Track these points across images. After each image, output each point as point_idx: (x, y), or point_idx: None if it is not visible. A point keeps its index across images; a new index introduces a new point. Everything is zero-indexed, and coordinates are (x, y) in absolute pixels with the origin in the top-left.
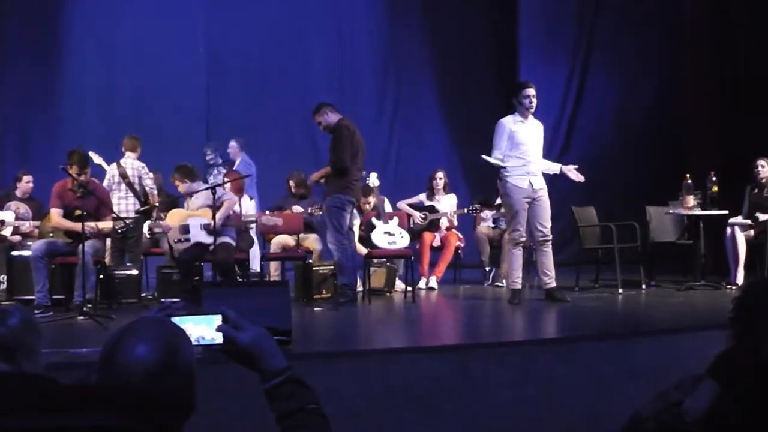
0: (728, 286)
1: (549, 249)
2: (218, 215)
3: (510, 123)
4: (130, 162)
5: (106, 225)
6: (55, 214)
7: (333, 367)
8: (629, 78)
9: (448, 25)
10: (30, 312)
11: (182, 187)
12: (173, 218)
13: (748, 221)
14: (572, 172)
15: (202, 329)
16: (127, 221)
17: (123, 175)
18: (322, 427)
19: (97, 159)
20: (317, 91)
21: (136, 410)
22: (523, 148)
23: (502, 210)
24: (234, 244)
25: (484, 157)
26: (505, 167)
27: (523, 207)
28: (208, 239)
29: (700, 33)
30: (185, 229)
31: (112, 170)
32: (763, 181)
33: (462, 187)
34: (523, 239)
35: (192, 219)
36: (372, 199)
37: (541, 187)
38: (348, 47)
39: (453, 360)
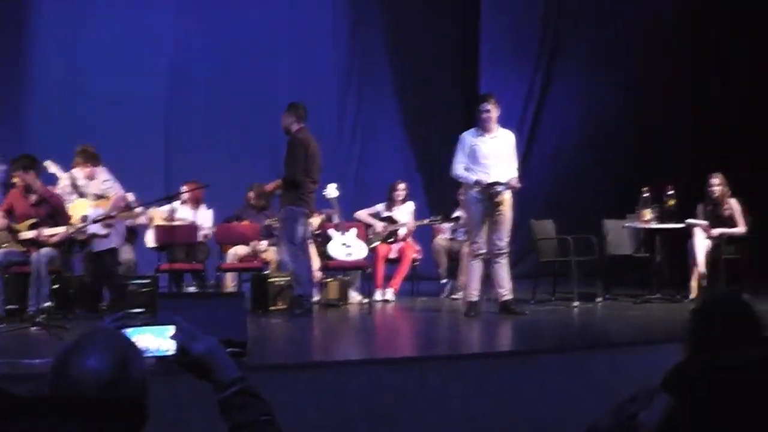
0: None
1: (505, 261)
2: (103, 210)
3: (470, 137)
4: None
5: (57, 231)
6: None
7: (289, 379)
8: (588, 94)
9: (410, 36)
10: None
11: (85, 171)
12: (77, 209)
13: (705, 222)
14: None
15: (156, 340)
16: (81, 228)
17: (74, 185)
18: None
19: (52, 168)
20: (278, 101)
21: (88, 421)
22: (484, 161)
23: (461, 222)
24: (116, 244)
25: (456, 174)
26: (474, 183)
27: (483, 219)
28: (102, 231)
29: (659, 52)
30: (85, 219)
31: (63, 180)
32: (716, 197)
33: (421, 199)
34: (483, 251)
35: (93, 210)
36: (313, 221)
37: (503, 200)
38: (311, 58)
39: (410, 372)
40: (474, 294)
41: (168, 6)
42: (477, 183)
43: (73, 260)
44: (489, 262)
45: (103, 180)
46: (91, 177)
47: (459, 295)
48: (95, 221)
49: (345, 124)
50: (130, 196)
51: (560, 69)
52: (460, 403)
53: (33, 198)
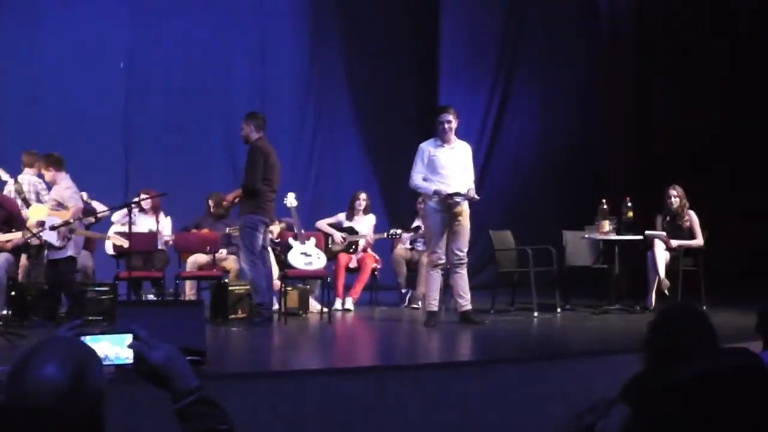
0: (646, 308)
1: (464, 271)
2: (60, 220)
3: (429, 147)
4: (27, 178)
5: (12, 237)
6: None
7: (248, 388)
8: (548, 106)
9: (370, 48)
10: None
11: (48, 176)
12: (34, 214)
13: (664, 233)
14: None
15: (114, 348)
16: (36, 234)
17: (19, 192)
18: None
19: (5, 176)
20: (238, 111)
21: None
22: (443, 172)
23: (420, 232)
24: (74, 253)
25: (414, 184)
26: (433, 193)
27: (443, 230)
28: (57, 242)
29: (617, 65)
30: (41, 224)
31: (9, 186)
32: (674, 209)
33: (379, 209)
34: (442, 261)
35: (50, 218)
36: (273, 229)
37: (461, 211)
38: (270, 67)
39: (368, 382)
40: (433, 304)
41: (122, 14)
42: (436, 193)
43: (28, 267)
44: (448, 272)
45: (65, 187)
46: (53, 182)
47: (418, 304)
48: (52, 228)
49: (304, 135)
50: (84, 195)
51: (519, 81)
52: (419, 413)
53: None
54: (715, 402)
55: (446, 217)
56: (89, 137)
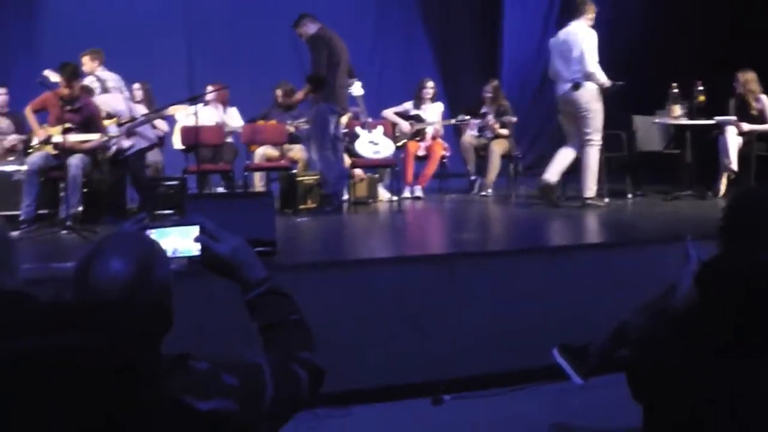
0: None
1: None
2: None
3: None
4: (108, 74)
5: (90, 137)
6: (28, 108)
7: (318, 277)
8: None
9: None
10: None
11: (88, 66)
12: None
13: (734, 118)
14: None
15: (181, 240)
16: (114, 137)
17: (103, 86)
18: (305, 336)
19: (54, 77)
20: (301, 3)
21: (111, 327)
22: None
23: (487, 119)
24: (146, 143)
25: (595, 71)
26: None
27: None
28: (127, 142)
29: None
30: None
31: (91, 80)
32: (745, 93)
33: (441, 98)
34: None
35: (110, 127)
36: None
37: None
38: None
39: (439, 269)
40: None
41: None
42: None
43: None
44: (516, 159)
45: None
46: (91, 72)
47: (488, 192)
48: (120, 125)
49: (366, 26)
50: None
51: None
52: (490, 300)
53: (71, 105)
54: None
55: None
56: (151, 35)
